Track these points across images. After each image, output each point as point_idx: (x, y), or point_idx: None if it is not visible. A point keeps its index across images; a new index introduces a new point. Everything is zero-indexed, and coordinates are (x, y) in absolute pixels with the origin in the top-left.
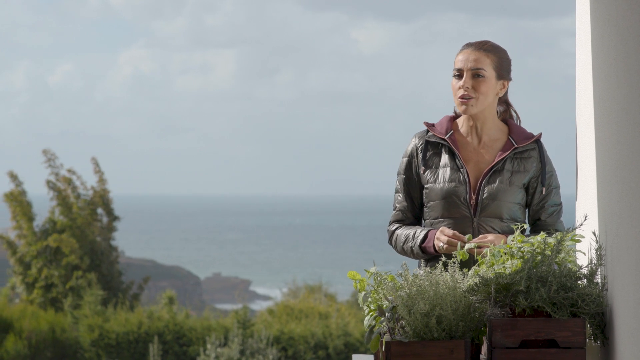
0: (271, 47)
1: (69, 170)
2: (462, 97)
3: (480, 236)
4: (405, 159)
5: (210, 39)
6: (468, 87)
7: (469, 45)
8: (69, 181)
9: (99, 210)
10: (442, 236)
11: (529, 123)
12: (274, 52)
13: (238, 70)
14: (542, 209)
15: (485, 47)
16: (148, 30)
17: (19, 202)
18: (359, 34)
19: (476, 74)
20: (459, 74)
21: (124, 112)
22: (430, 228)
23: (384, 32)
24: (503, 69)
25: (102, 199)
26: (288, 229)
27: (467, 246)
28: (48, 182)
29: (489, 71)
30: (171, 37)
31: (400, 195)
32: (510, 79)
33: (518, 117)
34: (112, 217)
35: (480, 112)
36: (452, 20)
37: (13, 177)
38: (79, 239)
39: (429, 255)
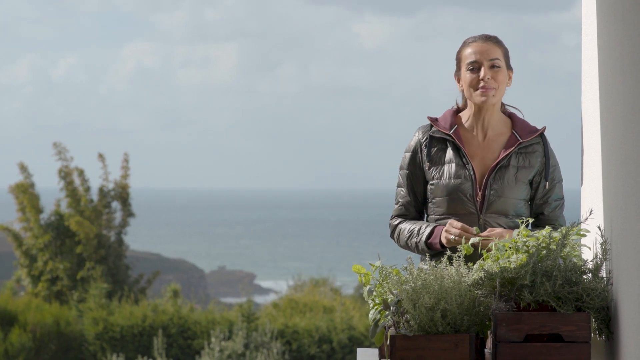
0: (272, 41)
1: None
2: (483, 88)
3: (489, 229)
4: (408, 154)
5: (211, 32)
6: (489, 78)
7: (476, 38)
8: (80, 172)
9: (114, 204)
10: (451, 229)
11: (531, 118)
12: (276, 46)
13: (240, 64)
14: (545, 204)
15: (493, 39)
16: (150, 24)
17: (28, 194)
18: (360, 28)
19: (493, 65)
20: (476, 67)
21: (127, 106)
22: (436, 224)
23: (385, 27)
24: (508, 58)
25: (123, 191)
26: (292, 222)
27: (471, 240)
28: (60, 171)
29: (502, 61)
30: (173, 30)
31: (403, 189)
32: (512, 69)
33: (520, 111)
34: (128, 213)
35: (492, 103)
36: (451, 14)
37: (23, 168)
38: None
39: (434, 251)
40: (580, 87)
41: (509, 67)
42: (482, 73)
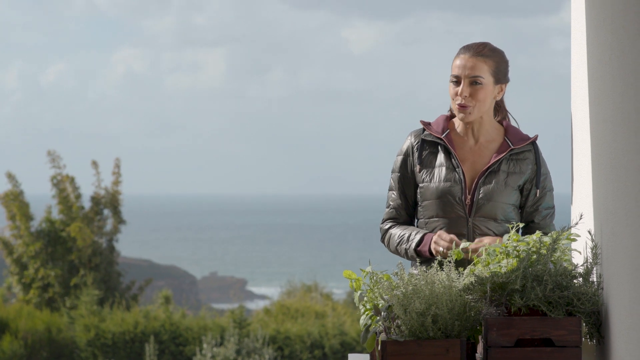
0: (260, 45)
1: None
2: (460, 104)
3: (477, 240)
4: (400, 157)
5: (199, 37)
6: (466, 96)
7: (466, 50)
8: (71, 180)
9: (106, 212)
10: (440, 240)
11: (520, 122)
12: (264, 51)
13: (228, 69)
14: (535, 212)
15: (483, 53)
16: (138, 29)
17: (18, 201)
18: (348, 32)
19: (474, 82)
20: (457, 80)
21: (116, 111)
22: (426, 231)
23: (373, 31)
24: (500, 73)
25: (114, 198)
26: (282, 227)
27: (462, 245)
28: (52, 178)
29: (487, 77)
30: (162, 36)
31: (395, 193)
32: (507, 81)
33: (515, 120)
34: (119, 220)
35: (469, 121)
36: (439, 19)
37: (11, 177)
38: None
39: (423, 258)
40: (569, 91)
41: (499, 82)
42: (459, 89)
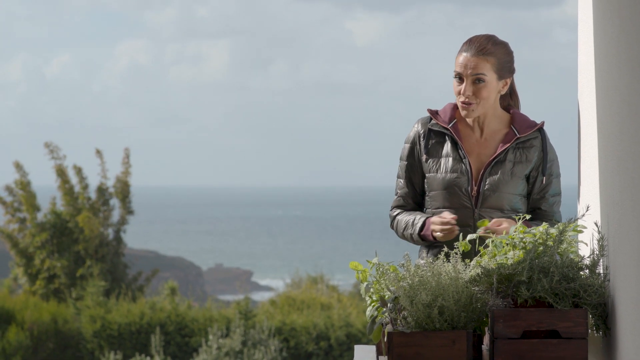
0: (264, 37)
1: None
2: (463, 102)
3: (494, 221)
4: (407, 145)
5: (202, 29)
6: (469, 95)
7: (469, 47)
8: (78, 170)
9: (112, 202)
10: (435, 226)
11: (525, 114)
12: (268, 43)
13: (232, 61)
14: (542, 199)
15: (485, 51)
16: (142, 22)
17: (26, 192)
18: (352, 25)
19: (476, 79)
20: (459, 78)
21: (120, 103)
22: (428, 215)
23: (376, 23)
24: (504, 68)
25: (124, 188)
26: (287, 220)
27: (469, 237)
28: (57, 169)
29: (490, 75)
30: (165, 28)
31: (402, 181)
32: (513, 73)
33: (518, 104)
34: (127, 211)
35: (472, 117)
36: (440, 11)
37: (19, 167)
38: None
39: (429, 242)
40: (574, 82)
41: (503, 77)
42: (462, 88)
